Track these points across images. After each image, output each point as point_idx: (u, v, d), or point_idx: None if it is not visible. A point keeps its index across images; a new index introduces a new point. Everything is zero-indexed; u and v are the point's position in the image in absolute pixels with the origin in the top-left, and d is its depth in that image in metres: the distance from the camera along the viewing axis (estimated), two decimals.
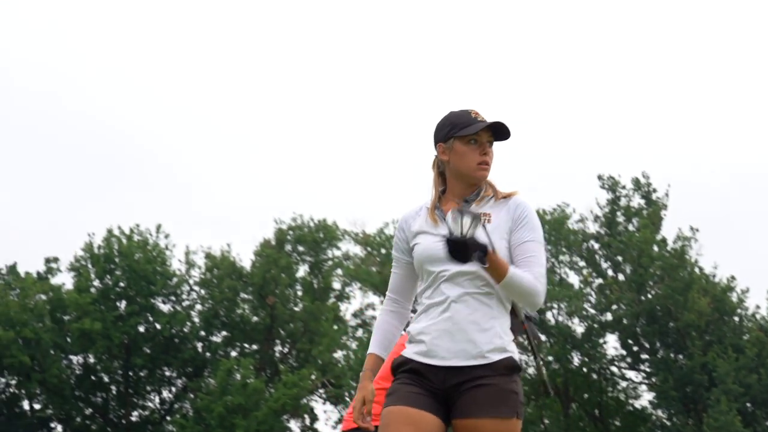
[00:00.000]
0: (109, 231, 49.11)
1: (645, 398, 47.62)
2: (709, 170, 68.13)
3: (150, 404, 50.10)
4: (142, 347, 48.35)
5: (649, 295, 45.50)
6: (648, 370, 46.56)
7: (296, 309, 49.18)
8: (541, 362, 5.35)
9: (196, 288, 49.85)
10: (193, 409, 47.71)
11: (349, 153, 72.44)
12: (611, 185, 46.95)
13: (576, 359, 46.90)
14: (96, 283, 48.54)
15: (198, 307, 49.77)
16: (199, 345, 49.77)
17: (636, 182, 46.91)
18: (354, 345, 48.24)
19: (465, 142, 4.82)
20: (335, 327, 48.71)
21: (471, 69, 71.65)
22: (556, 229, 46.79)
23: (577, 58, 71.28)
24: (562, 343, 45.46)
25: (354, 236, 49.89)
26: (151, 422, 49.36)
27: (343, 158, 72.02)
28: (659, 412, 46.71)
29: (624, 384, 47.97)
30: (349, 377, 45.07)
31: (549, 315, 46.06)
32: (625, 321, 45.56)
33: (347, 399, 46.10)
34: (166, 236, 49.77)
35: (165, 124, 70.49)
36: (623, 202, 46.89)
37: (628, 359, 47.05)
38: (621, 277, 46.20)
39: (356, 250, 50.08)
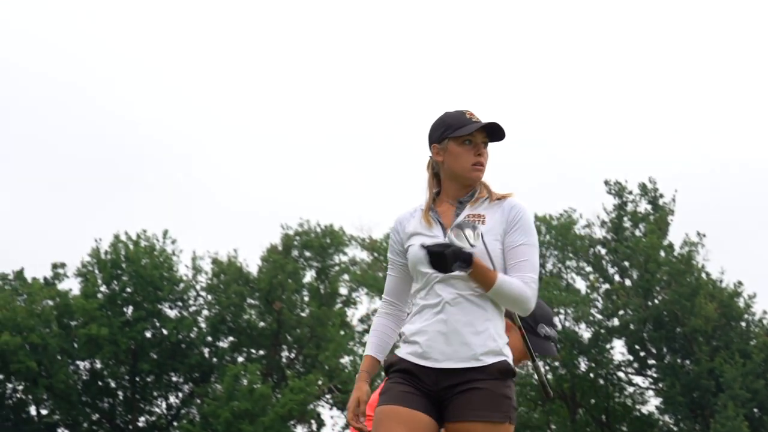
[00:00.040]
0: (116, 236, 49.15)
1: (652, 404, 47.61)
2: (716, 175, 67.99)
3: (157, 410, 50.12)
4: (148, 353, 48.37)
5: (656, 301, 45.46)
6: (655, 375, 46.49)
7: (303, 314, 49.16)
8: (539, 363, 5.31)
9: (203, 293, 49.90)
10: (200, 415, 47.68)
11: (356, 159, 72.53)
12: (618, 190, 46.91)
13: (583, 365, 46.85)
14: (103, 288, 48.59)
15: (205, 312, 49.79)
16: (206, 350, 49.76)
17: (643, 187, 46.86)
18: (361, 350, 48.18)
19: (459, 143, 4.78)
20: (342, 332, 48.72)
21: (479, 76, 71.75)
22: (563, 235, 46.79)
23: (584, 64, 71.33)
24: (569, 349, 45.39)
25: (360, 242, 49.92)
26: (158, 428, 49.36)
27: (350, 164, 72.08)
28: (666, 418, 46.62)
29: (631, 389, 47.92)
30: None
31: (555, 320, 45.93)
32: (631, 326, 45.51)
33: None
34: (173, 242, 49.85)
35: (172, 130, 70.59)
36: (630, 207, 46.86)
37: (635, 365, 46.97)
38: (628, 282, 46.16)
39: (363, 255, 50.17)
